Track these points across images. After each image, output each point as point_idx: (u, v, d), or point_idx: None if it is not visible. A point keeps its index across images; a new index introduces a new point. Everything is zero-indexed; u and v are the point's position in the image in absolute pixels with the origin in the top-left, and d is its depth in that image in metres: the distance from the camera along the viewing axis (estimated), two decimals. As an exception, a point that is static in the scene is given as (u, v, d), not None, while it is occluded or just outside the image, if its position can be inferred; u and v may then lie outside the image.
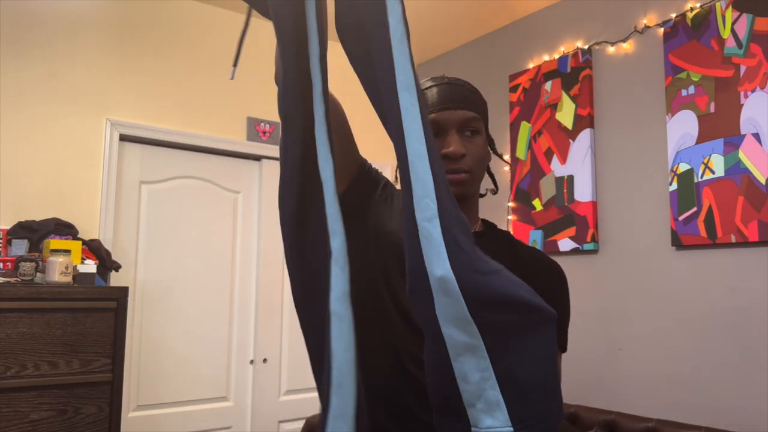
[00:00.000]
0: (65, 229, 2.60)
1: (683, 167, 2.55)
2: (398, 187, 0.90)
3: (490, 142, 1.14)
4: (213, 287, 3.22)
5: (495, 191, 1.21)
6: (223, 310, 3.24)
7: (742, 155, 2.36)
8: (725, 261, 2.42)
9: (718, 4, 2.50)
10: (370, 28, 0.81)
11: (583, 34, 3.07)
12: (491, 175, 1.20)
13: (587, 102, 2.96)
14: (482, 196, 1.18)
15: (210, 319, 3.19)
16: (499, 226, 1.24)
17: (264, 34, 3.56)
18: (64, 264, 2.27)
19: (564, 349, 1.09)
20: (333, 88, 3.46)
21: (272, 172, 3.45)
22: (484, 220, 1.19)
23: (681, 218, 2.54)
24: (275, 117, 3.48)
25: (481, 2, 3.25)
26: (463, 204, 1.07)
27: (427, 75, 4.03)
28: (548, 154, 3.11)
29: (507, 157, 3.35)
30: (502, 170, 3.40)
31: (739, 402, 2.33)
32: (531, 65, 3.29)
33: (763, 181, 2.29)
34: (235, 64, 0.98)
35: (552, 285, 1.06)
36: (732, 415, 2.34)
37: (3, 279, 2.25)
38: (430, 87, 1.09)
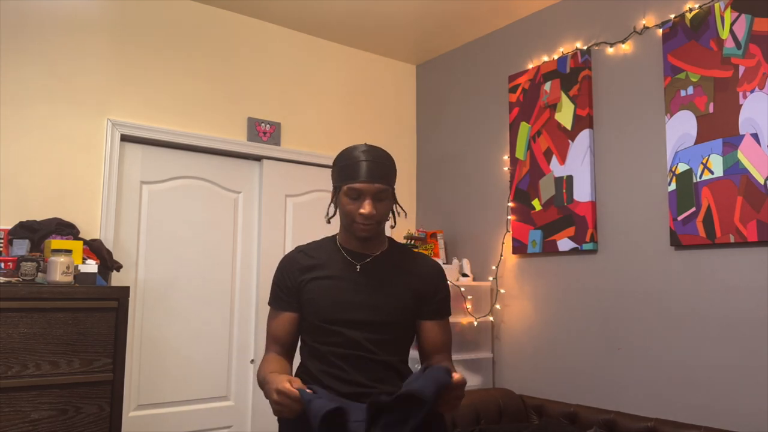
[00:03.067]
0: (66, 229, 2.61)
1: (682, 167, 2.56)
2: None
3: (395, 197, 1.63)
4: (213, 287, 3.22)
5: (392, 226, 1.77)
6: (224, 309, 3.25)
7: (741, 155, 2.37)
8: (724, 261, 2.43)
9: (717, 5, 2.51)
10: None
11: (582, 34, 3.08)
12: (393, 216, 1.70)
13: (586, 102, 2.96)
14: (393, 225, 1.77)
15: (210, 318, 3.20)
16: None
17: (265, 35, 3.59)
18: (65, 264, 2.27)
19: (449, 313, 1.71)
20: (334, 87, 3.46)
21: (272, 172, 3.46)
22: (389, 240, 1.71)
23: (680, 218, 2.54)
24: (275, 117, 3.49)
25: (481, 2, 3.25)
26: (374, 239, 1.63)
27: (428, 75, 4.05)
28: (547, 155, 3.12)
29: (506, 157, 3.36)
30: (502, 170, 3.41)
31: (739, 402, 2.34)
32: (530, 66, 3.30)
33: (761, 181, 2.30)
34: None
35: (436, 277, 1.69)
36: (731, 415, 2.35)
37: (4, 279, 2.25)
38: (360, 161, 1.54)
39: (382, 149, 1.59)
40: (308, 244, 1.73)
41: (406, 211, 1.72)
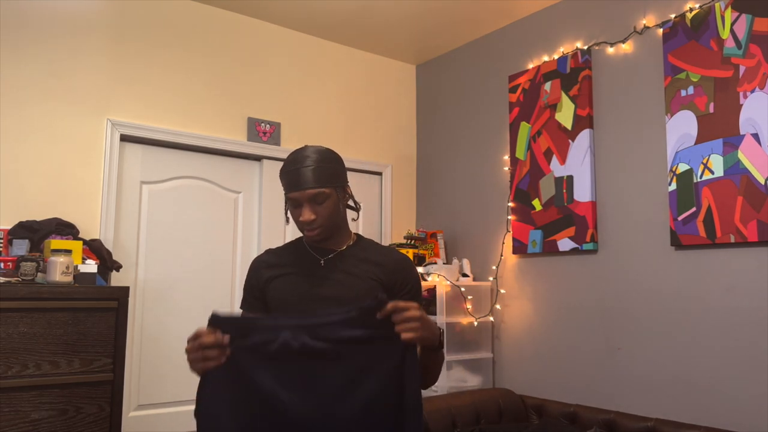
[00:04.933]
0: (66, 229, 2.61)
1: (682, 167, 2.56)
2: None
3: (346, 193, 1.64)
4: (213, 287, 3.23)
5: (354, 219, 1.77)
6: (224, 309, 3.24)
7: (741, 155, 2.37)
8: (724, 261, 2.43)
9: (717, 5, 2.51)
10: None
11: (582, 34, 3.08)
12: (352, 208, 1.71)
13: (586, 102, 2.96)
14: (355, 219, 1.77)
15: (210, 318, 3.19)
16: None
17: (265, 35, 3.59)
18: (65, 264, 2.27)
19: (422, 303, 1.64)
20: (334, 87, 3.46)
21: (273, 172, 3.45)
22: (357, 235, 1.71)
23: (680, 218, 2.54)
24: (275, 117, 3.49)
25: (480, 2, 3.25)
26: (332, 237, 1.63)
27: (428, 75, 4.04)
28: (548, 155, 3.12)
29: (506, 157, 3.36)
30: (502, 170, 3.41)
31: (739, 402, 2.34)
32: (530, 66, 3.30)
33: (762, 181, 2.30)
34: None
35: (403, 269, 1.65)
36: (731, 415, 2.35)
37: (4, 279, 2.25)
38: (292, 170, 1.55)
39: (320, 150, 1.59)
40: (279, 246, 1.77)
41: (361, 205, 1.74)
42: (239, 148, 3.34)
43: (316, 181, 1.54)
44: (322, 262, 1.63)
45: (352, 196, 1.68)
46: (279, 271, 1.64)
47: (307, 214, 1.55)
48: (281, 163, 3.44)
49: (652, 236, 2.67)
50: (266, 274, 1.65)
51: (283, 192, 1.61)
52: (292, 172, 1.55)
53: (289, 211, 1.62)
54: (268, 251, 1.75)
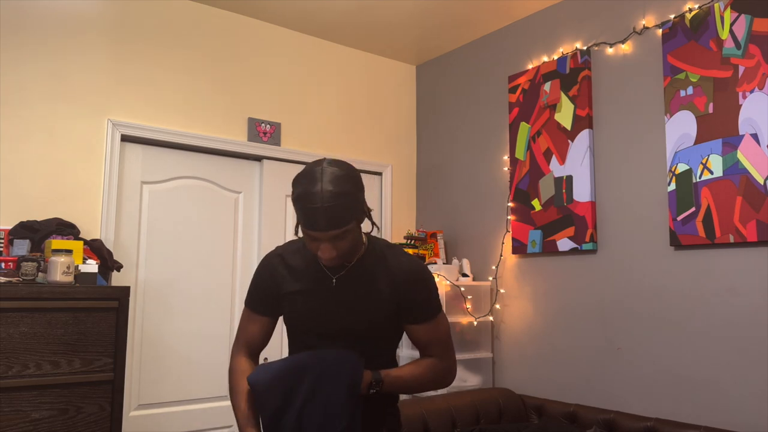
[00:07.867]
0: (67, 229, 2.61)
1: (682, 167, 2.56)
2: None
3: (369, 215, 1.55)
4: (214, 287, 3.23)
5: (369, 232, 1.67)
6: (224, 309, 3.25)
7: (740, 155, 2.37)
8: (724, 261, 2.43)
9: (716, 5, 2.51)
10: None
11: (582, 35, 3.08)
12: (372, 224, 1.59)
13: (586, 102, 2.97)
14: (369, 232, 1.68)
15: (211, 318, 3.20)
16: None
17: (265, 35, 3.59)
18: (65, 264, 2.27)
19: (436, 311, 1.63)
20: (334, 87, 3.48)
21: (273, 172, 3.46)
22: (367, 239, 1.62)
23: (679, 218, 2.55)
24: (275, 117, 3.49)
25: (481, 3, 3.26)
26: (351, 260, 1.57)
27: (428, 75, 4.04)
28: (547, 155, 3.12)
29: (506, 157, 3.36)
30: (502, 170, 3.41)
31: (738, 402, 2.34)
32: (530, 66, 3.30)
33: (761, 181, 2.30)
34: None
35: (412, 282, 1.58)
36: (731, 414, 2.35)
37: (5, 279, 2.25)
38: (314, 208, 1.38)
39: (338, 177, 1.41)
40: (287, 245, 1.68)
41: (379, 226, 1.69)
42: (239, 148, 3.34)
43: (339, 221, 1.39)
44: (333, 280, 1.58)
45: (369, 216, 1.56)
46: (292, 286, 1.60)
47: (329, 252, 1.45)
48: (282, 163, 3.51)
49: (652, 236, 2.68)
50: (279, 286, 1.62)
51: (297, 215, 1.45)
52: (311, 210, 1.38)
53: (302, 234, 1.50)
54: (279, 254, 1.66)
